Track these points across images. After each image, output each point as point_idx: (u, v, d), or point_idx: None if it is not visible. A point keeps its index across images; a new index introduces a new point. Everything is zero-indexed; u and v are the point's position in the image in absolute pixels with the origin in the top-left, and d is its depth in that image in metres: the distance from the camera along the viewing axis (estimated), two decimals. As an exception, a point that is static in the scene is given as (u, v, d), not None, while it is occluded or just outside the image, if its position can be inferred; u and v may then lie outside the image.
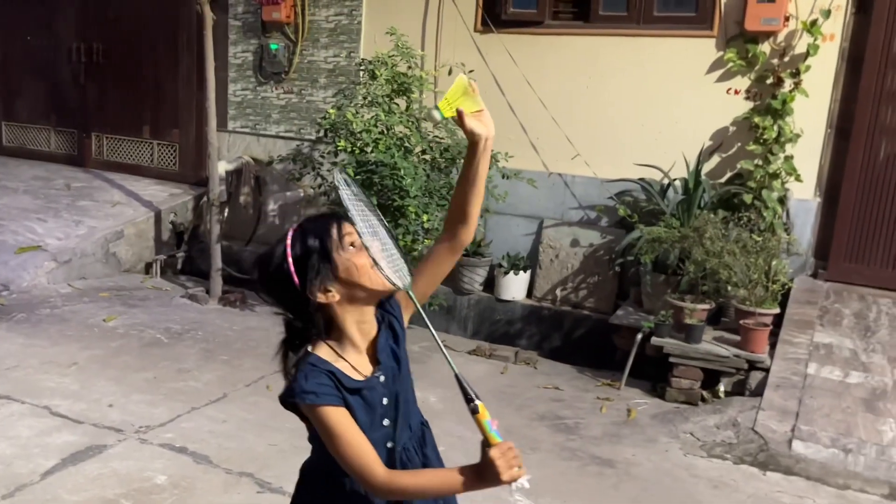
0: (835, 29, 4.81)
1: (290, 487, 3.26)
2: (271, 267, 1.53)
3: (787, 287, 4.74)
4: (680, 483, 3.53)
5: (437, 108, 1.53)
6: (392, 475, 1.51)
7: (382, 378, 1.59)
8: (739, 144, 5.13)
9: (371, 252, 1.49)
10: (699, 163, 5.10)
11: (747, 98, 5.09)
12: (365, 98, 5.28)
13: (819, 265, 5.05)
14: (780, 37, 4.92)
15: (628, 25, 5.35)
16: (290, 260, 1.51)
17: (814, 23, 4.73)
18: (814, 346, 4.36)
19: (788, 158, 4.92)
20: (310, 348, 1.56)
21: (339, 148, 5.08)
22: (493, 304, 5.66)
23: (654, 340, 4.56)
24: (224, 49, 6.76)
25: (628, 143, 5.42)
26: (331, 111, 5.28)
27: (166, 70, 7.20)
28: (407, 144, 5.09)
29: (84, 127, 7.80)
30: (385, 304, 1.64)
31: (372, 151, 4.95)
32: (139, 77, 7.37)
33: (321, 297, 1.52)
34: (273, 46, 6.51)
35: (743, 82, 5.08)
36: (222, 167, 6.49)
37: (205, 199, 6.51)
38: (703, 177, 5.08)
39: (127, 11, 7.31)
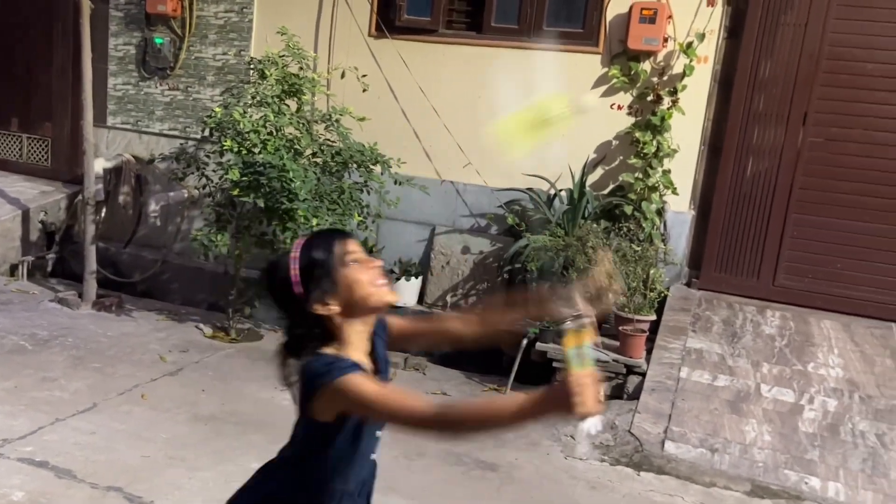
0: (709, 51, 5.11)
1: (163, 501, 3.13)
2: (277, 275, 1.62)
3: (663, 295, 4.97)
4: (559, 485, 3.62)
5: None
6: (439, 403, 1.51)
7: None
8: (621, 158, 5.35)
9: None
10: (584, 175, 5.27)
11: (629, 113, 5.32)
12: (254, 98, 5.15)
13: (692, 274, 5.33)
14: (660, 56, 5.17)
15: (519, 38, 5.48)
16: (295, 271, 1.59)
17: (689, 45, 5.01)
18: (686, 351, 4.59)
19: (666, 172, 5.17)
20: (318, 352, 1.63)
21: (224, 148, 4.92)
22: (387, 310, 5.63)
23: (539, 346, 4.67)
24: (104, 40, 6.42)
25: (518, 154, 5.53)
26: (217, 110, 5.10)
27: (39, 59, 6.75)
28: (297, 146, 5.00)
29: (-57, 116, 7.19)
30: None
31: (260, 152, 4.83)
32: (8, 66, 6.87)
33: (320, 309, 1.60)
34: (158, 41, 6.24)
35: (625, 98, 5.30)
36: (100, 164, 6.15)
37: (80, 197, 6.14)
38: (587, 188, 5.25)
39: (-5, -6, 6.82)
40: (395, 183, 5.24)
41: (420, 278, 5.66)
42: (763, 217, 5.12)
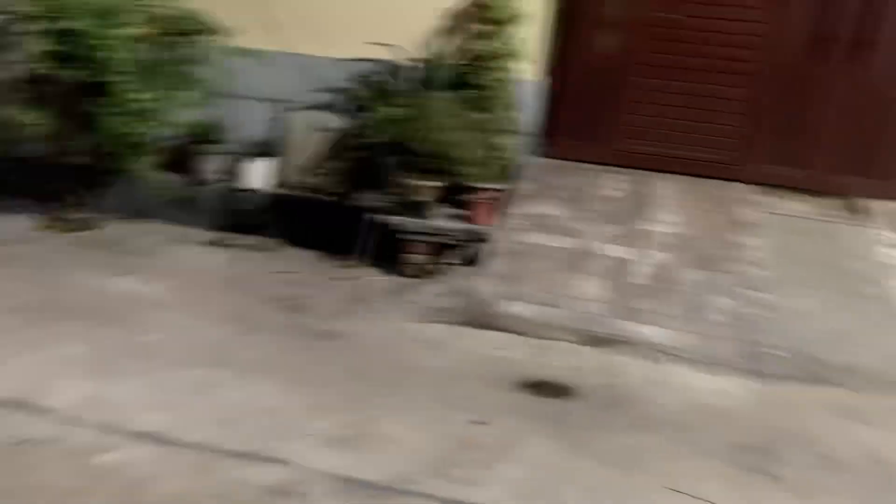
0: None
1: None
2: None
3: (512, 163, 4.97)
4: (398, 347, 3.64)
5: None
6: None
7: None
8: (472, 25, 5.18)
9: None
10: (433, 43, 5.09)
11: (480, -22, 5.12)
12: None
13: (545, 143, 5.34)
14: (506, -87, 4.95)
15: None
16: None
17: None
18: (533, 217, 4.65)
19: (517, 40, 5.05)
20: None
21: (31, 14, 4.41)
22: (235, 194, 5.39)
23: (385, 219, 4.60)
24: None
25: (368, 23, 5.25)
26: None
27: None
28: (114, 12, 4.53)
29: None
30: None
31: (72, 20, 4.35)
32: None
33: None
34: None
35: (472, -40, 5.09)
36: None
37: None
38: (437, 57, 5.09)
39: None
40: (236, 56, 4.88)
41: (270, 159, 5.41)
42: (610, 83, 5.15)
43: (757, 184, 4.98)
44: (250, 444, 2.72)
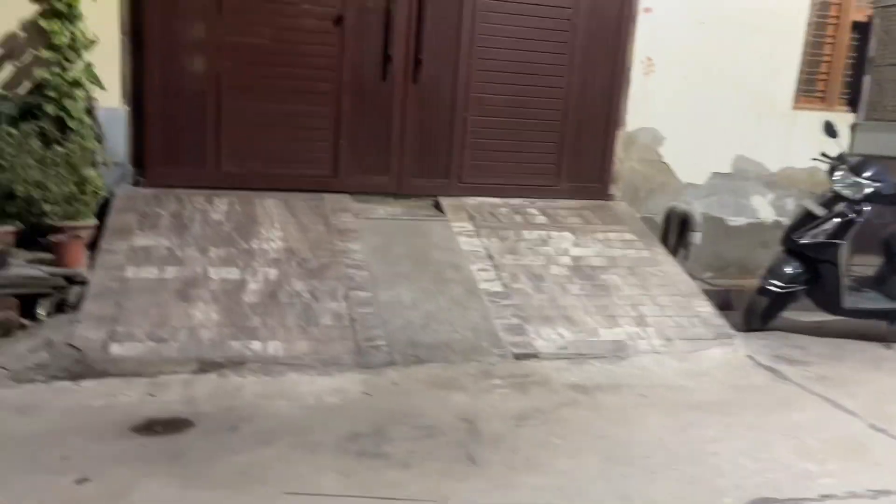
0: (112, -69, 4.74)
1: None
2: None
3: (104, 198, 4.68)
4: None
5: None
6: None
7: None
8: (34, 51, 4.73)
9: None
10: (-11, 72, 4.55)
11: (33, 0, 4.69)
12: None
13: (137, 172, 5.11)
14: (56, -67, 4.61)
15: None
16: None
17: (84, -80, 4.56)
18: (133, 250, 4.42)
19: (88, 66, 4.75)
20: None
21: None
22: None
23: (-49, 275, 3.98)
24: None
25: None
26: None
27: None
28: None
29: None
30: None
31: None
32: None
33: None
34: None
35: (24, -19, 4.65)
36: None
37: None
38: (-3, 88, 4.55)
39: None
40: None
41: None
42: (199, 106, 5.12)
43: (352, 193, 5.41)
44: None
